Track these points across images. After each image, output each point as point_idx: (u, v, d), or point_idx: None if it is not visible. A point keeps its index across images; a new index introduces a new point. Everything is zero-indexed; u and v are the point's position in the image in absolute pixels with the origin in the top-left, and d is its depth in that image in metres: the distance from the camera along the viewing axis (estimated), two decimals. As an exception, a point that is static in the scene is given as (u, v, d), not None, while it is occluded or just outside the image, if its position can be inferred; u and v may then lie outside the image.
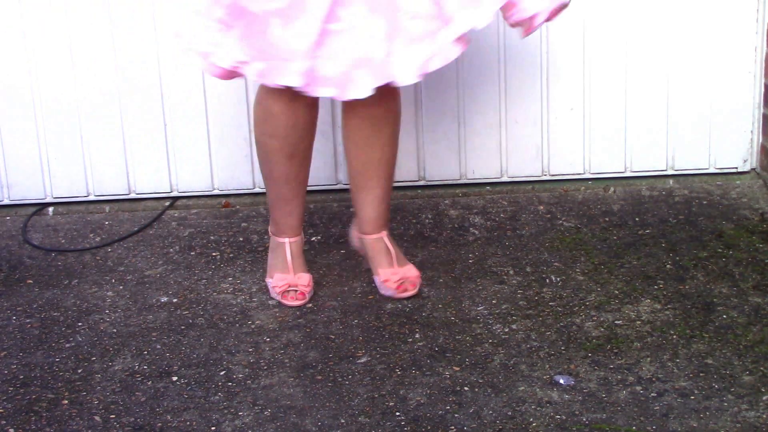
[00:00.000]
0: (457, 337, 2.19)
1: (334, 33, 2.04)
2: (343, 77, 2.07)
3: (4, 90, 2.85)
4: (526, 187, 2.92)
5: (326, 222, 2.79)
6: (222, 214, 2.87)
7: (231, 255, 2.65)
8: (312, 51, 2.04)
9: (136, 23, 2.81)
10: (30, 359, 2.17)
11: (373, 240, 2.40)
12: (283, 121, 2.23)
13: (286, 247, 2.39)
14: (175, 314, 2.35)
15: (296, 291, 2.35)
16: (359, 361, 2.11)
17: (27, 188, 2.93)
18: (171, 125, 2.89)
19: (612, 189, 2.90)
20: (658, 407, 1.90)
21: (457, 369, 2.06)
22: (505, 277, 2.45)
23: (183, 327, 2.29)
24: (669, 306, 2.27)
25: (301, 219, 2.41)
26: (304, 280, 2.37)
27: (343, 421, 1.90)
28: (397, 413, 1.92)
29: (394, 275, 2.36)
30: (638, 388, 1.97)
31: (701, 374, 2.00)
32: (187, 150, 2.91)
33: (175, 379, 2.08)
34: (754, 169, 2.92)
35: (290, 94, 2.14)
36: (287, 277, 2.37)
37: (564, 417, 1.88)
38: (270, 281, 2.40)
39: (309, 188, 2.93)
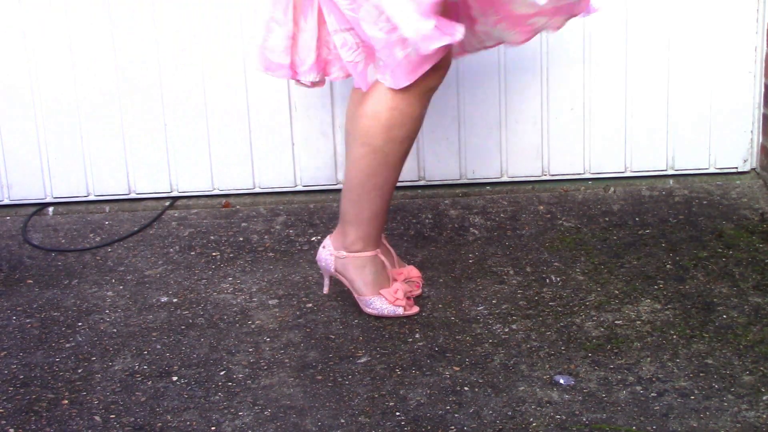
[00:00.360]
0: (457, 337, 2.19)
1: None
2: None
3: (4, 90, 2.85)
4: (526, 187, 2.92)
5: (326, 222, 2.79)
6: (222, 214, 2.87)
7: (231, 255, 2.65)
8: None
9: (136, 23, 2.81)
10: (30, 359, 2.17)
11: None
12: (420, 120, 2.17)
13: (380, 258, 2.28)
14: (175, 314, 2.35)
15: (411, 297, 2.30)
16: (359, 361, 2.11)
17: (27, 188, 2.93)
18: (171, 125, 2.89)
19: (612, 189, 2.90)
20: (658, 407, 1.90)
21: (457, 369, 2.06)
22: (505, 277, 2.45)
23: (183, 327, 2.29)
24: (669, 306, 2.27)
25: None
26: (406, 284, 2.30)
27: (343, 421, 1.90)
28: (397, 413, 1.92)
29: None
30: (638, 388, 1.97)
31: (701, 374, 2.00)
32: (187, 150, 2.91)
33: (175, 379, 2.08)
34: (754, 169, 2.92)
35: (429, 88, 2.13)
36: (397, 287, 2.27)
37: (564, 417, 1.88)
38: (378, 299, 2.25)
39: (309, 188, 2.95)
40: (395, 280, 2.30)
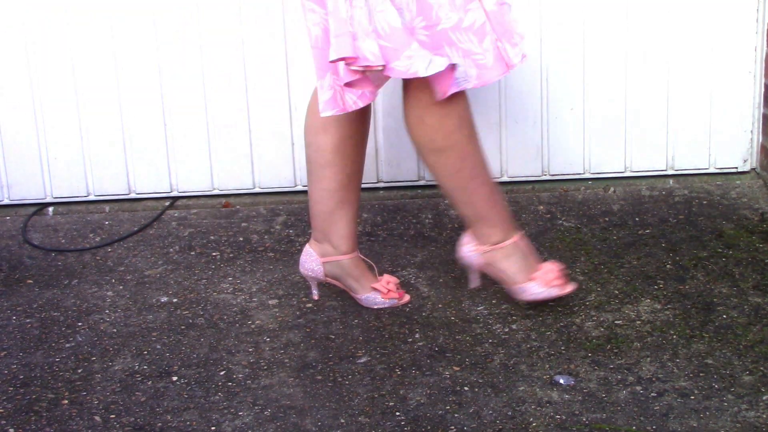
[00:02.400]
0: (457, 337, 2.19)
1: None
2: None
3: (4, 90, 2.85)
4: (526, 187, 2.92)
5: (326, 222, 2.79)
6: (222, 214, 2.87)
7: (231, 255, 2.65)
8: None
9: (137, 23, 2.81)
10: (30, 359, 2.17)
11: (357, 257, 2.33)
12: (461, 101, 2.19)
13: (522, 242, 2.26)
14: (175, 314, 2.35)
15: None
16: (359, 361, 2.11)
17: (27, 188, 2.93)
18: (171, 125, 2.89)
19: (612, 189, 2.90)
20: (658, 407, 1.90)
21: (457, 369, 2.06)
22: (505, 277, 2.45)
23: (183, 327, 2.29)
24: (669, 306, 2.28)
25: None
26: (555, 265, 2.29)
27: (343, 421, 1.90)
28: (397, 413, 1.92)
29: (390, 283, 2.33)
30: (638, 388, 1.97)
31: (701, 374, 2.00)
32: (187, 150, 2.91)
33: (175, 379, 2.08)
34: (754, 169, 2.92)
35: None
36: (549, 268, 2.25)
37: (564, 417, 1.88)
38: (532, 284, 2.23)
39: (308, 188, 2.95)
40: (538, 268, 2.25)
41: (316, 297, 2.35)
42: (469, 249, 2.28)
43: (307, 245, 2.33)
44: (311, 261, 2.33)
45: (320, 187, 2.27)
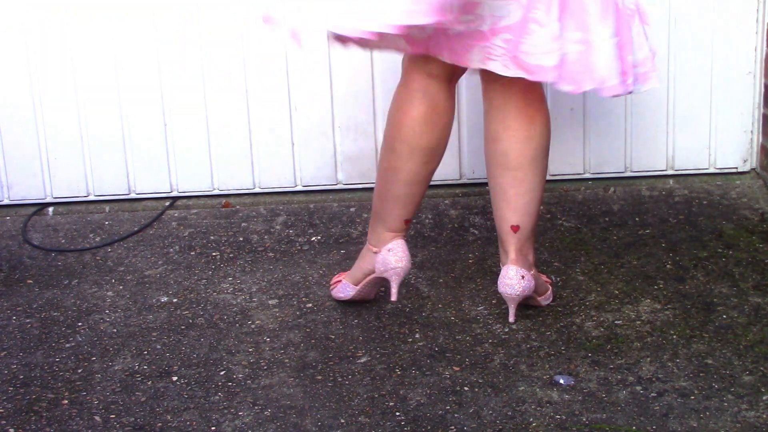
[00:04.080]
0: (457, 337, 2.19)
1: None
2: None
3: (4, 90, 2.85)
4: (526, 187, 2.92)
5: (326, 222, 2.79)
6: (222, 214, 2.87)
7: (231, 255, 2.65)
8: None
9: (137, 23, 2.81)
10: (30, 359, 2.17)
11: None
12: None
13: None
14: (175, 314, 2.35)
15: None
16: (359, 361, 2.11)
17: (27, 188, 2.93)
18: (171, 125, 2.89)
19: (612, 189, 2.90)
20: (658, 407, 1.90)
21: (457, 369, 2.06)
22: (505, 277, 2.45)
23: (183, 327, 2.29)
24: (669, 306, 2.28)
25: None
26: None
27: (343, 421, 1.90)
28: (397, 413, 1.92)
29: None
30: (638, 388, 1.97)
31: (701, 374, 2.00)
32: (187, 150, 2.91)
33: (175, 379, 2.08)
34: (754, 169, 2.92)
35: None
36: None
37: (564, 417, 1.88)
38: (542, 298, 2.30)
39: (308, 188, 2.95)
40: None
41: (396, 298, 2.23)
42: (526, 278, 2.15)
43: (401, 240, 2.19)
44: (408, 254, 2.21)
45: (429, 169, 2.23)
